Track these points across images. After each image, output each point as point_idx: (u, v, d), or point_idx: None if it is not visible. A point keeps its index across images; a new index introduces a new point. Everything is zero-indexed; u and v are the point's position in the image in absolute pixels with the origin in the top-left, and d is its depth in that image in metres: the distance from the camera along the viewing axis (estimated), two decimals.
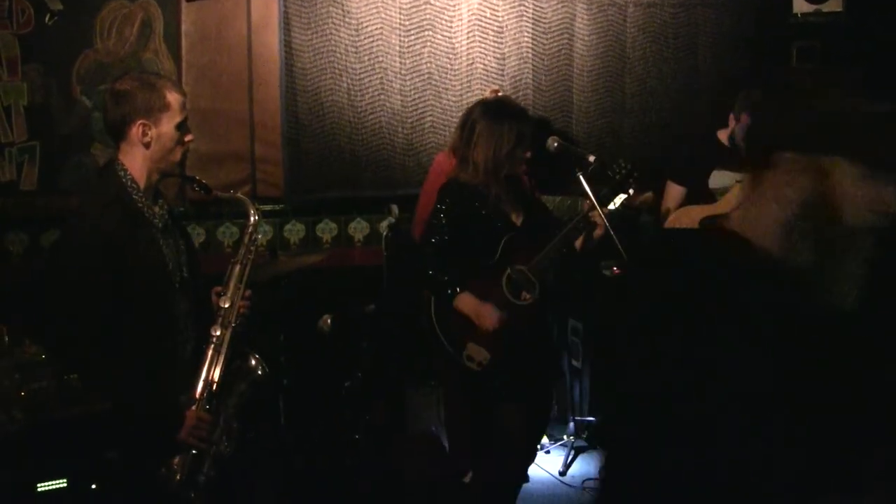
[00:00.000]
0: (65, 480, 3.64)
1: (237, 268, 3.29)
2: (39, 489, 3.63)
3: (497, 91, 5.28)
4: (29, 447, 3.65)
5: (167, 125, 3.12)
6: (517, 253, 4.08)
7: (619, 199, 4.10)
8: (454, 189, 4.11)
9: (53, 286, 3.08)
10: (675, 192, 5.21)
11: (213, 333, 3.17)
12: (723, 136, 5.16)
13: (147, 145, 3.10)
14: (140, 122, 3.08)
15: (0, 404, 3.68)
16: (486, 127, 4.03)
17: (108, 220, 3.02)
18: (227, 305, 3.22)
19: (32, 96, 5.20)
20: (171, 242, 3.21)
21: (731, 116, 5.09)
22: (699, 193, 5.12)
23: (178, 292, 3.18)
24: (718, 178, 5.08)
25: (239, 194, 3.51)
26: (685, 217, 5.10)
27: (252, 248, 3.34)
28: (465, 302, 4.00)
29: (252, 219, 3.38)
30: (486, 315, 4.00)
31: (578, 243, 4.12)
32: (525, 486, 5.22)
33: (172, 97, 3.13)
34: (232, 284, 3.26)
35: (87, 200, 3.18)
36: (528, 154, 4.05)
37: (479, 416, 4.36)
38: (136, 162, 3.12)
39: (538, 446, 5.04)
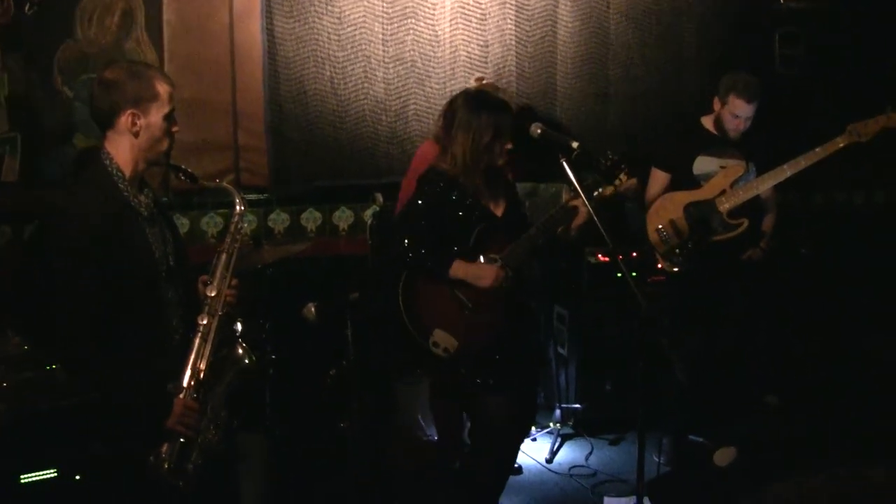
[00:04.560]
0: (55, 471, 3.62)
1: (223, 257, 3.28)
2: (23, 481, 3.61)
3: (482, 79, 5.27)
4: (12, 438, 3.63)
5: (156, 115, 3.11)
6: (493, 242, 4.08)
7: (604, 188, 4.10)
8: (432, 177, 4.12)
9: (40, 276, 3.06)
10: (659, 177, 5.23)
11: (200, 322, 3.16)
12: (707, 122, 5.18)
13: (136, 135, 3.09)
14: (129, 111, 3.07)
15: None
16: (464, 118, 4.02)
17: (94, 209, 3.01)
18: (213, 294, 3.20)
19: (13, 87, 5.15)
20: (157, 231, 3.19)
21: (716, 100, 5.11)
22: (683, 179, 5.14)
23: (165, 281, 3.17)
24: (702, 164, 5.11)
25: (225, 184, 3.50)
26: (669, 203, 5.12)
27: (238, 237, 3.33)
28: (460, 268, 4.01)
29: (238, 208, 3.37)
30: (485, 274, 4.01)
31: (559, 232, 4.11)
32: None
33: (162, 87, 3.12)
34: (218, 273, 3.25)
35: (72, 190, 3.16)
36: (509, 146, 4.04)
37: (465, 405, 4.37)
38: (122, 151, 3.11)
39: (524, 438, 5.05)
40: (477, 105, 4.05)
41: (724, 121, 5.05)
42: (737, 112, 4.99)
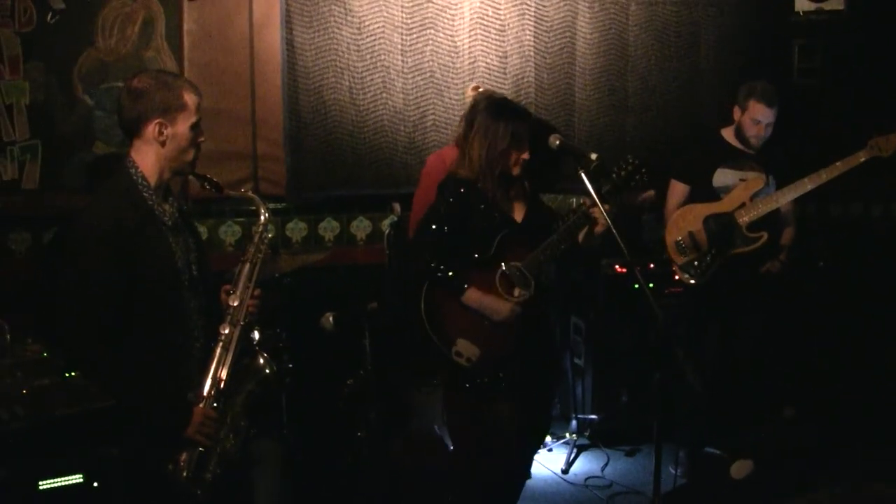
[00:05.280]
0: (80, 476, 3.62)
1: (246, 266, 3.29)
2: (41, 487, 3.62)
3: (478, 87, 5.24)
4: (31, 445, 3.64)
5: (183, 125, 3.13)
6: (514, 249, 4.06)
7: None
8: (453, 184, 4.12)
9: (62, 282, 3.08)
10: (678, 189, 5.22)
11: (222, 332, 3.18)
12: (727, 133, 5.17)
13: (162, 144, 3.11)
14: (157, 120, 3.09)
15: (1, 402, 3.67)
16: (483, 123, 4.02)
17: (118, 216, 3.03)
18: (236, 304, 3.22)
19: (34, 95, 5.18)
20: (180, 240, 3.21)
21: (736, 109, 5.11)
22: (703, 191, 5.13)
23: (188, 290, 3.18)
24: (722, 177, 5.10)
25: (250, 193, 3.51)
26: (688, 215, 5.11)
27: (262, 246, 3.35)
28: (474, 297, 4.00)
29: (262, 217, 3.38)
30: (499, 310, 3.99)
31: (581, 237, 4.10)
32: (528, 483, 5.24)
33: (189, 97, 3.15)
34: (241, 283, 3.26)
35: (96, 196, 3.18)
36: (525, 156, 4.03)
37: (481, 414, 4.36)
38: (148, 160, 3.13)
39: (538, 446, 5.03)
40: (497, 111, 4.05)
41: (745, 128, 5.04)
42: (758, 117, 4.99)
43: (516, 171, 4.05)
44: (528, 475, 4.80)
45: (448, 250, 4.03)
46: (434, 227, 4.07)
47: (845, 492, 4.78)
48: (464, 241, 4.07)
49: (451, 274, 4.00)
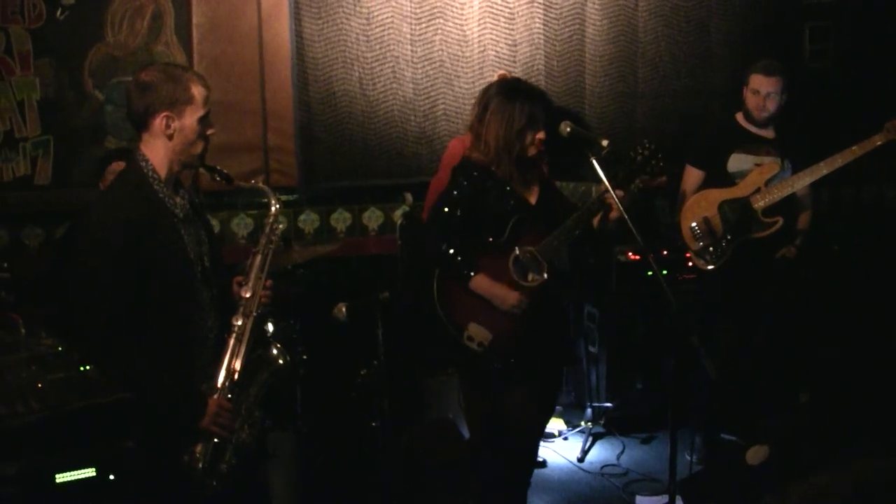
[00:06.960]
0: (95, 469, 3.65)
1: (258, 258, 3.28)
2: (58, 480, 3.64)
3: (505, 75, 5.25)
4: (47, 438, 3.67)
5: (190, 118, 3.12)
6: (528, 233, 4.04)
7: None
8: (467, 168, 4.10)
9: (75, 275, 3.08)
10: (693, 175, 5.19)
11: (235, 323, 3.17)
12: (741, 118, 5.14)
13: (170, 137, 3.10)
14: (164, 113, 3.08)
15: (17, 396, 3.70)
16: (498, 105, 4.00)
17: (130, 209, 3.02)
18: (248, 295, 3.21)
19: (45, 90, 5.21)
20: (192, 232, 3.20)
21: (743, 89, 5.08)
22: (717, 177, 5.10)
23: (200, 282, 3.17)
24: (737, 162, 5.07)
25: (260, 184, 3.51)
26: (703, 200, 5.08)
27: (273, 237, 3.34)
28: (481, 284, 3.98)
29: (273, 208, 3.38)
30: (503, 297, 3.98)
31: (596, 222, 4.08)
32: (543, 472, 5.26)
33: (197, 90, 3.14)
34: (253, 274, 3.25)
35: (108, 190, 3.18)
36: (541, 136, 4.01)
37: (497, 401, 4.36)
38: (157, 153, 3.12)
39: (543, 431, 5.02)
40: (512, 92, 4.03)
41: (748, 102, 5.02)
42: (756, 87, 4.96)
43: (532, 151, 4.02)
44: (536, 461, 4.80)
45: (460, 234, 4.02)
46: (446, 210, 4.06)
47: (854, 472, 4.76)
48: (477, 224, 4.05)
49: (459, 259, 3.99)
